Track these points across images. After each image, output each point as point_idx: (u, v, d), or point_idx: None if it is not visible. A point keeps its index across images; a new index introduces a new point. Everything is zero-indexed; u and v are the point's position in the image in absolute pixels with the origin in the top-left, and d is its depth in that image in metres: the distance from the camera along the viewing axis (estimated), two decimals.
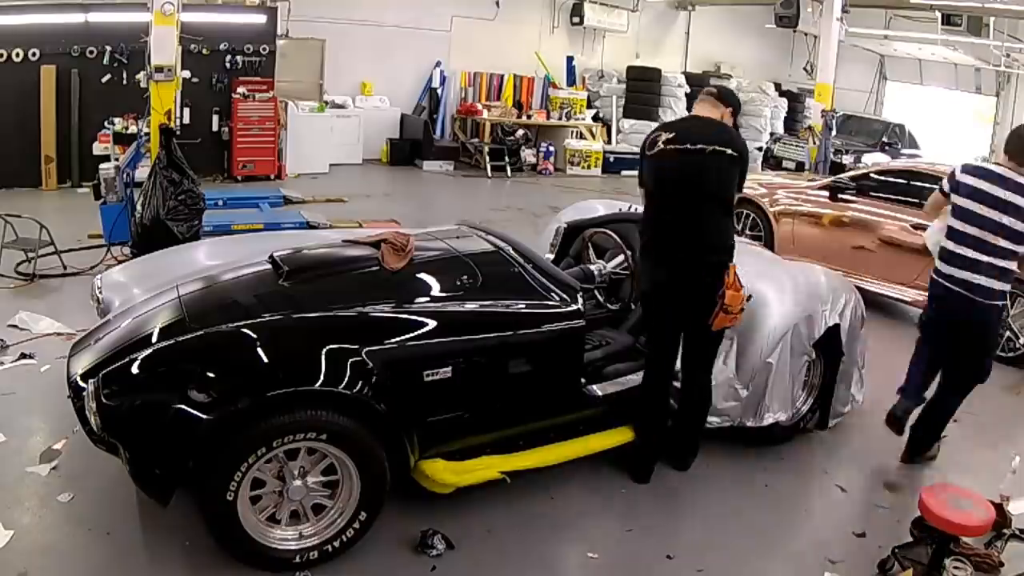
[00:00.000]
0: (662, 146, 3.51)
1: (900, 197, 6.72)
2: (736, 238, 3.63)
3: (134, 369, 2.82)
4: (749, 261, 3.89)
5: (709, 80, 16.11)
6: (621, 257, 4.36)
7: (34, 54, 9.06)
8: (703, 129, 3.54)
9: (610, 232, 4.46)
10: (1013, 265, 3.74)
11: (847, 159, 12.93)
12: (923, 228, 5.03)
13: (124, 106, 9.19)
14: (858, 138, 14.57)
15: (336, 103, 12.41)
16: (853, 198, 7.07)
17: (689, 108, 15.49)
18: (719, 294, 3.44)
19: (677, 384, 3.80)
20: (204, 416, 2.68)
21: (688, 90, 15.36)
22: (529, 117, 13.99)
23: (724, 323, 3.52)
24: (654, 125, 15.17)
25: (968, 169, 3.83)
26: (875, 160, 12.39)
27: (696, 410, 3.81)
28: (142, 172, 6.53)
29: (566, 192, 11.50)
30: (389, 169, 12.74)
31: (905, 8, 13.94)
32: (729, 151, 3.45)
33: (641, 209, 3.72)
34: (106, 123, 9.41)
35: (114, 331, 3.31)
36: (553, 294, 3.59)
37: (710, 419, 3.87)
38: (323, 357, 2.90)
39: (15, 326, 5.06)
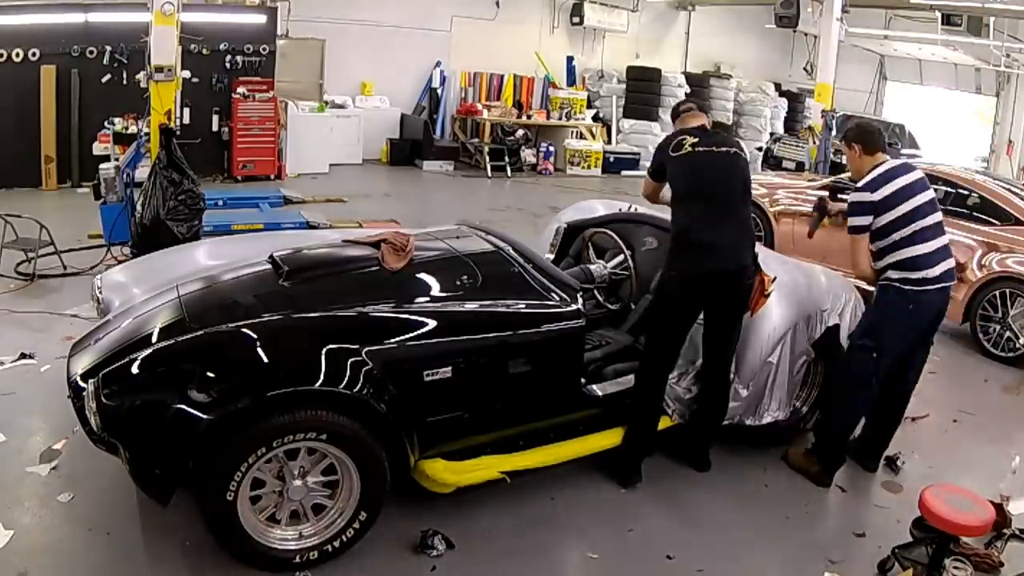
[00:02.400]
0: (690, 148, 3.64)
1: None
2: None
3: (134, 369, 2.82)
4: None
5: (709, 80, 16.14)
6: (621, 257, 4.36)
7: (34, 54, 9.06)
8: (718, 134, 3.86)
9: (610, 232, 4.46)
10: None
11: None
12: None
13: (124, 106, 9.19)
14: None
15: (336, 103, 12.40)
16: None
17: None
18: (758, 279, 3.70)
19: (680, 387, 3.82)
20: (204, 416, 2.68)
21: (688, 90, 15.35)
22: (529, 117, 13.98)
23: (762, 305, 3.77)
24: (654, 125, 15.20)
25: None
26: None
27: (718, 409, 3.85)
28: (142, 172, 6.52)
29: (566, 192, 11.50)
30: (389, 169, 12.73)
31: (905, 8, 13.93)
32: (743, 154, 3.79)
33: (642, 209, 3.70)
34: (106, 123, 9.41)
35: (114, 331, 3.30)
36: (553, 294, 3.59)
37: None
38: (323, 357, 2.91)
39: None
